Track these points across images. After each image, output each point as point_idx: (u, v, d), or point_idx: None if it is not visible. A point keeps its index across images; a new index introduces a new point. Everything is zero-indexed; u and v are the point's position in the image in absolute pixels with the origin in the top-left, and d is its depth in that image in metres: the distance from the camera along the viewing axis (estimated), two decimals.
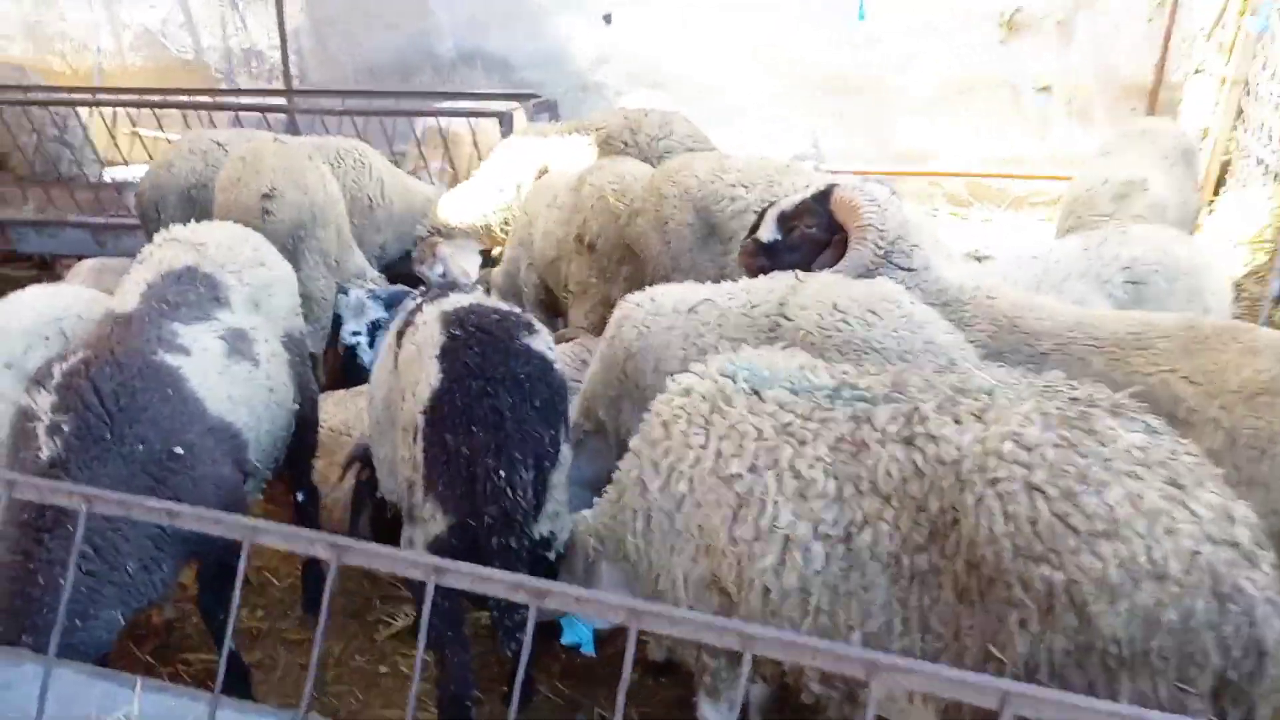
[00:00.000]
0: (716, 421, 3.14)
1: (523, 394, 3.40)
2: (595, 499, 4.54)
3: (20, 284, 9.59)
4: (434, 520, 3.43)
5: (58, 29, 13.77)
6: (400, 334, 3.91)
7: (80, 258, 8.34)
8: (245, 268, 4.42)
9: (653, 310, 4.41)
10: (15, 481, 2.67)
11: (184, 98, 10.55)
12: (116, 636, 3.57)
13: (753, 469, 2.99)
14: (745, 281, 4.43)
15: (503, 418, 3.33)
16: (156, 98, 10.14)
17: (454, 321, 3.59)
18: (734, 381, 3.21)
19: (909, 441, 2.78)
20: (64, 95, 10.48)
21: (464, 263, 7.46)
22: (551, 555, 3.68)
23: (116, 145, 10.07)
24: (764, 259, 4.56)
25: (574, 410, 4.80)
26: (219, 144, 7.10)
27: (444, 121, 8.90)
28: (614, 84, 11.89)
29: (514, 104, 9.02)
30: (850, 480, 2.84)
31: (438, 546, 3.43)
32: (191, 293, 4.11)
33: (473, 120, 8.52)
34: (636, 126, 6.96)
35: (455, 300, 3.81)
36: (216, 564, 4.03)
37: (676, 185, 5.61)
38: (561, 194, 6.20)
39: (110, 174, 10.33)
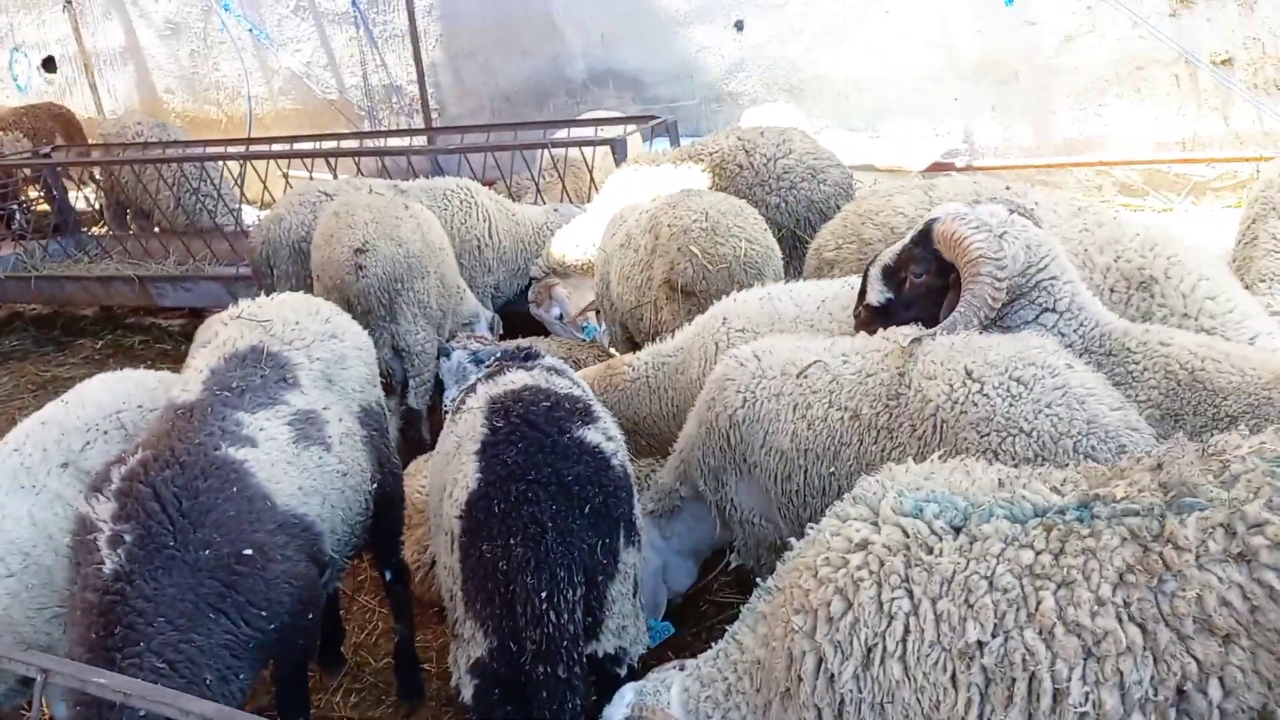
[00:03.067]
0: (920, 578, 2.41)
1: (569, 499, 2.96)
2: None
3: (170, 333, 10.02)
4: (474, 641, 3.03)
5: (213, 79, 14.33)
6: (453, 417, 3.54)
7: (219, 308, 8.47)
8: (315, 341, 4.16)
9: (758, 372, 3.88)
10: None
11: (314, 145, 10.64)
12: None
13: (1000, 632, 2.29)
14: (861, 340, 3.85)
15: (544, 529, 2.89)
16: (284, 147, 10.26)
17: (498, 410, 3.19)
18: (922, 520, 2.51)
19: (1245, 559, 2.13)
20: (199, 151, 10.72)
21: (581, 302, 7.09)
22: (623, 671, 3.23)
23: (267, 189, 10.25)
24: (880, 323, 3.92)
25: (668, 473, 4.35)
26: (326, 194, 6.98)
27: (560, 149, 8.58)
28: (749, 92, 11.38)
29: (631, 126, 8.62)
30: (1163, 621, 2.16)
31: (479, 670, 3.03)
32: (256, 376, 3.86)
33: (587, 148, 8.15)
34: (751, 147, 6.42)
35: (507, 382, 3.40)
36: (291, 666, 3.81)
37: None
38: (635, 233, 5.70)
39: (256, 218, 10.54)
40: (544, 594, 2.84)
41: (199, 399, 3.66)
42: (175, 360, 8.92)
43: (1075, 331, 3.70)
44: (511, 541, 2.89)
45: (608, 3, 11.84)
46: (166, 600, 3.13)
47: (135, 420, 4.08)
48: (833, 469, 3.59)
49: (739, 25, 11.05)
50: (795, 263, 5.93)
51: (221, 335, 4.03)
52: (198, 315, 9.88)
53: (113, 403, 4.14)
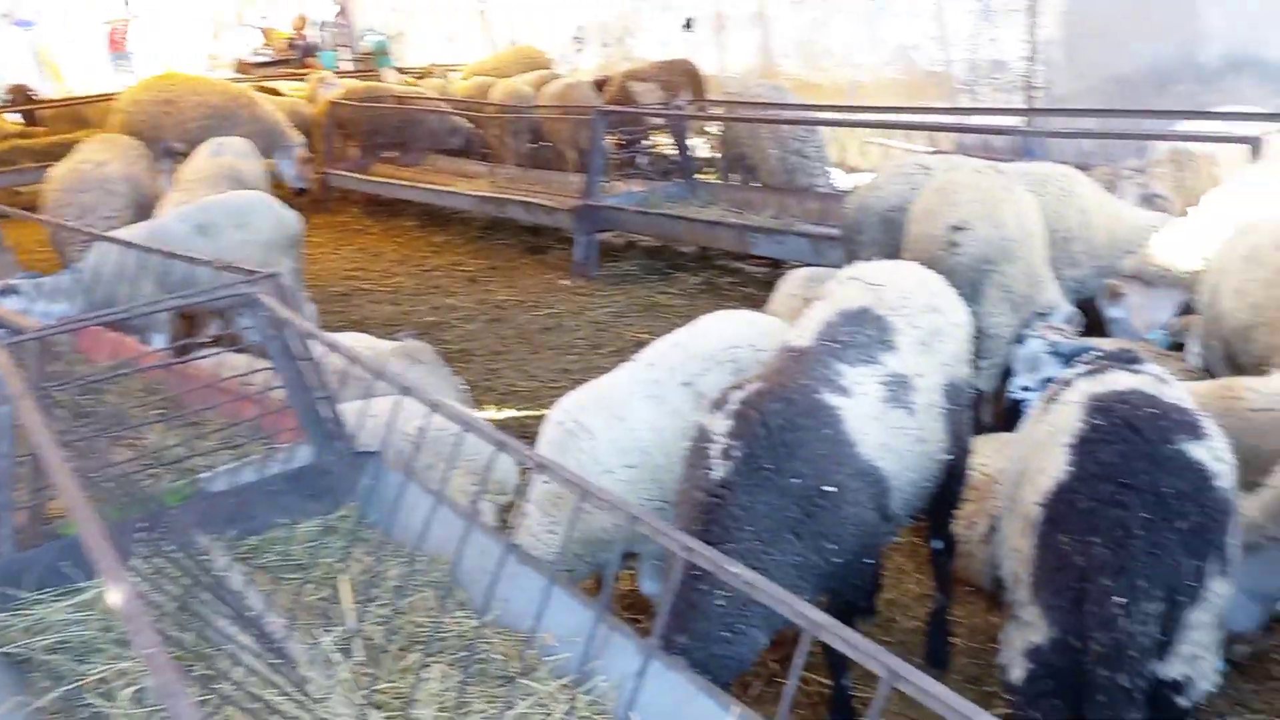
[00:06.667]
0: None
1: (1164, 511, 2.86)
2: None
3: (754, 279, 10.90)
4: (1034, 627, 3.07)
5: (824, 46, 15.09)
6: (1045, 407, 3.55)
7: (803, 264, 9.08)
8: (919, 312, 4.38)
9: None
10: (638, 518, 2.93)
11: (909, 117, 10.87)
12: (756, 657, 3.81)
13: None
14: None
15: (1131, 535, 2.84)
16: (875, 116, 10.60)
17: (1100, 409, 3.15)
18: None
19: None
20: (809, 115, 11.43)
21: (1151, 316, 6.56)
22: (1184, 702, 3.08)
23: (862, 154, 10.78)
24: None
25: (1258, 508, 3.97)
26: (925, 168, 7.13)
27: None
28: None
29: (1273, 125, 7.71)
30: None
31: (1035, 657, 3.07)
32: (861, 334, 4.19)
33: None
34: None
35: (1113, 381, 3.33)
36: (844, 602, 4.14)
37: None
38: (1265, 248, 5.10)
39: (846, 181, 11.09)
40: (1120, 600, 2.80)
41: (811, 346, 4.05)
42: (756, 303, 9.59)
43: None
44: (1092, 539, 2.89)
45: None
46: (757, 514, 3.58)
47: (746, 356, 4.58)
48: None
49: None
50: None
51: (838, 293, 4.39)
52: (777, 265, 10.66)
53: (732, 338, 4.69)
